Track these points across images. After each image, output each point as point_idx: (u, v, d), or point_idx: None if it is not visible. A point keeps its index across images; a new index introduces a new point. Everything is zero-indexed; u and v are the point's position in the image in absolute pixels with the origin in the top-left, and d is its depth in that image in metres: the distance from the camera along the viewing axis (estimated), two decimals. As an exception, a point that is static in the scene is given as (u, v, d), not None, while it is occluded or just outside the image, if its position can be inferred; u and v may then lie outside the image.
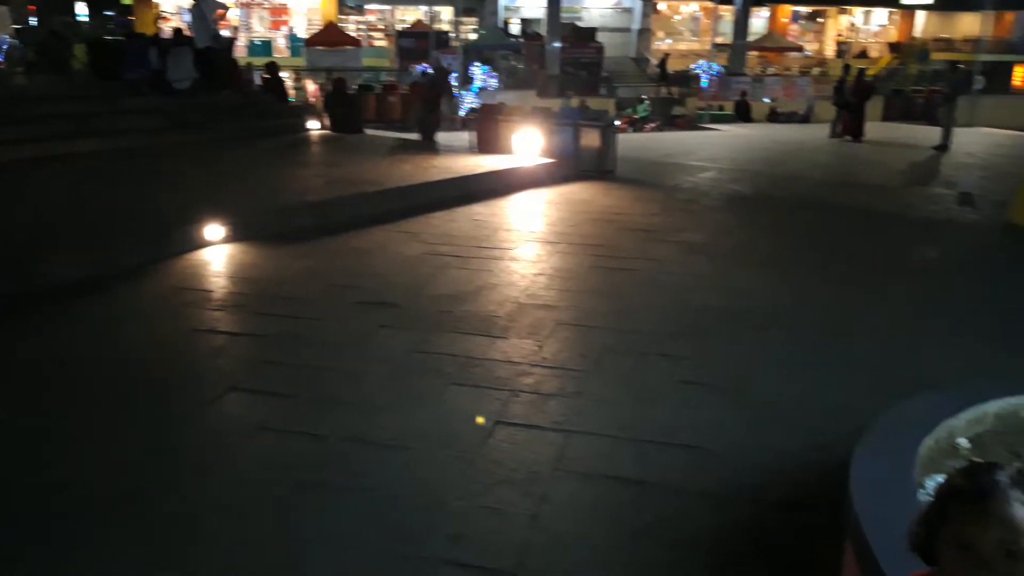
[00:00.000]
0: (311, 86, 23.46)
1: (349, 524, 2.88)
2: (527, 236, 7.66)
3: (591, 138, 11.70)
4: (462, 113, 19.51)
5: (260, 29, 33.00)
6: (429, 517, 2.93)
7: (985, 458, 2.26)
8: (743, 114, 24.55)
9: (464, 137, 13.24)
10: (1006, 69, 31.73)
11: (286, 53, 30.48)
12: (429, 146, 12.64)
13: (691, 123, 23.27)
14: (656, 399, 3.97)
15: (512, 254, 6.86)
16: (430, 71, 14.19)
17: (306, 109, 16.31)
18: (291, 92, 18.61)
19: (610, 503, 3.03)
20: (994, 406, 2.64)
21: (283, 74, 17.52)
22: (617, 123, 22.40)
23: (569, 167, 11.06)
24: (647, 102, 24.16)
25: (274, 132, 12.87)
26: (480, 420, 3.66)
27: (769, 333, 4.95)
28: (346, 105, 14.73)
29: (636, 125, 22.00)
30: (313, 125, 14.24)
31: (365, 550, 2.73)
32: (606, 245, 7.23)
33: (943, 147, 15.15)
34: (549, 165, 10.85)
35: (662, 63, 28.75)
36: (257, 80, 15.86)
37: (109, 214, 7.07)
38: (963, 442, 2.52)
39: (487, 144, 12.21)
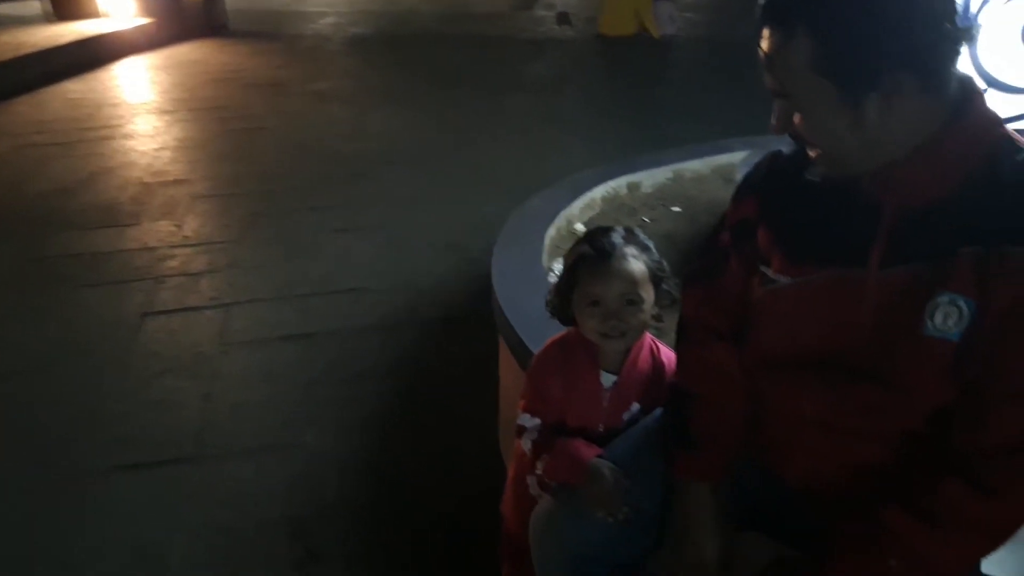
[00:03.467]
0: None
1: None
2: (138, 109, 6.79)
3: (192, -10, 10.46)
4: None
5: None
6: (89, 430, 2.63)
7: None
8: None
9: (35, 6, 11.02)
10: None
11: None
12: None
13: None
14: (312, 253, 3.92)
15: (125, 131, 6.06)
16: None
17: None
18: None
19: (282, 362, 3.00)
20: (599, 191, 3.03)
21: None
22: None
23: (174, 25, 9.86)
24: None
25: None
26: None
27: (408, 167, 5.10)
28: None
29: None
30: None
31: (15, 489, 2.39)
32: (232, 106, 6.71)
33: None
34: (148, 26, 9.56)
35: None
36: None
37: None
38: (579, 227, 2.88)
39: (65, 7, 10.32)
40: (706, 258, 1.40)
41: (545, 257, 2.46)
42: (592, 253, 1.40)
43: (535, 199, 2.85)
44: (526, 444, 1.48)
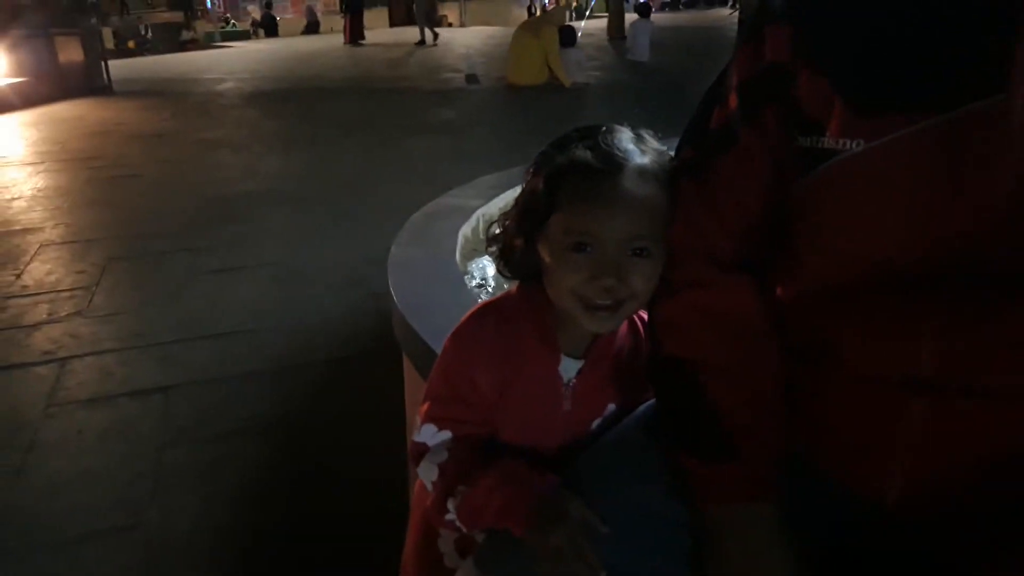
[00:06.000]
0: None
1: None
2: (-5, 164, 6.00)
3: (72, 51, 9.80)
4: None
5: None
6: None
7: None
8: (270, 29, 23.99)
9: None
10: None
11: None
12: None
13: (202, 45, 21.56)
14: (182, 296, 3.27)
15: (-27, 185, 5.28)
16: None
17: None
18: None
19: (125, 423, 2.31)
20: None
21: None
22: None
23: (52, 85, 9.14)
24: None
25: None
26: None
27: (304, 206, 4.55)
28: None
29: None
30: None
31: None
32: (106, 156, 6.02)
33: (421, 42, 16.23)
34: (21, 84, 8.80)
35: None
36: None
37: None
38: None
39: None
40: (693, 145, 0.87)
41: (459, 258, 1.92)
42: (592, 162, 0.82)
43: (445, 197, 2.34)
44: (429, 474, 0.90)
